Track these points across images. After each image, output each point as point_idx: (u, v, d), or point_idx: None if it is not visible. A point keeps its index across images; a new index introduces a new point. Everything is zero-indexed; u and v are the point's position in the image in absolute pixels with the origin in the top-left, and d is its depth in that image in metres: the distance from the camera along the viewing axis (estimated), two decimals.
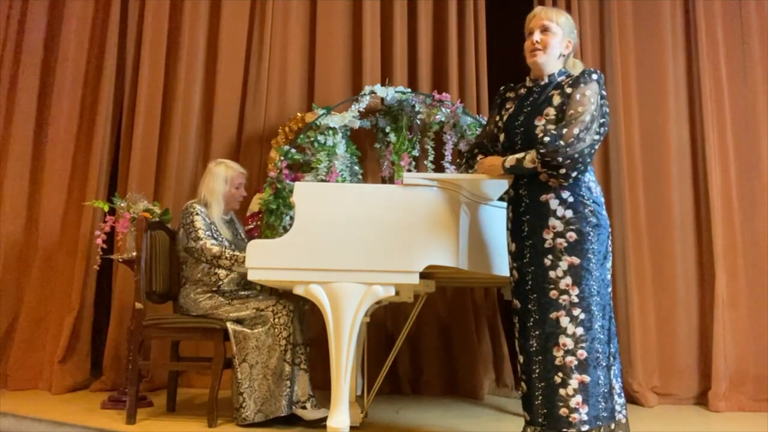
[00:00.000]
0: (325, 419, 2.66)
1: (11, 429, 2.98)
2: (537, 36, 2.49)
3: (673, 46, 4.10)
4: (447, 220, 2.58)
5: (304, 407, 3.00)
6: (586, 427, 2.31)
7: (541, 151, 2.33)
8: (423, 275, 2.53)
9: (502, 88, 2.71)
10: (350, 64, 4.26)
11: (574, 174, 2.36)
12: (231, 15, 4.32)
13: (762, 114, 3.97)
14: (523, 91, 2.58)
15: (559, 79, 2.50)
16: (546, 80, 2.52)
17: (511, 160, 2.43)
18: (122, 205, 3.49)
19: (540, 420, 2.36)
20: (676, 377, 3.81)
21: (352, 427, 2.66)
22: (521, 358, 2.44)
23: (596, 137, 2.35)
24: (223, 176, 3.30)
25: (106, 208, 3.65)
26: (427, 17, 4.25)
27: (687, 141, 4.01)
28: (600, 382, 2.35)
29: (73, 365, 3.87)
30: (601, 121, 2.39)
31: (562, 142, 2.31)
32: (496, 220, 2.83)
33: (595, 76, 2.43)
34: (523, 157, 2.39)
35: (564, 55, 2.55)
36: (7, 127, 4.20)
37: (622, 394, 2.45)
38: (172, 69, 4.25)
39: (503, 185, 2.65)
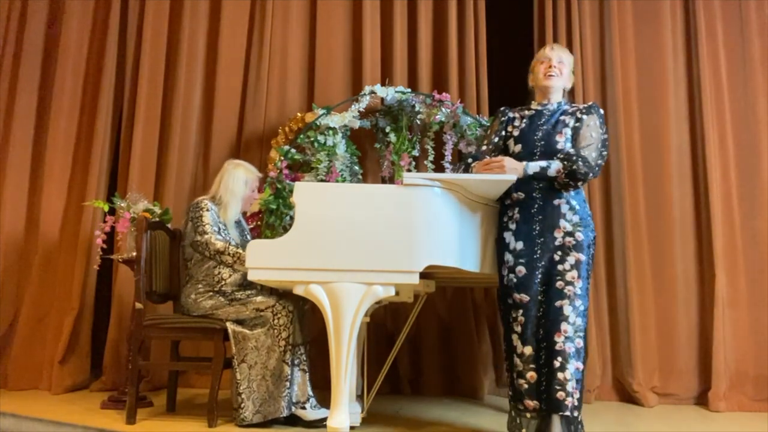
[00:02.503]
0: (325, 419, 2.66)
1: (11, 429, 2.98)
2: (555, 62, 2.82)
3: (673, 46, 4.09)
4: (447, 220, 2.59)
5: (303, 408, 2.99)
6: (576, 413, 2.55)
7: (579, 163, 2.64)
8: (423, 275, 2.54)
9: (502, 108, 2.97)
10: (350, 64, 4.26)
11: (581, 186, 2.72)
12: (231, 15, 4.32)
13: (762, 114, 3.97)
14: (528, 112, 2.88)
15: (565, 108, 2.83)
16: (555, 106, 2.84)
17: (534, 167, 2.68)
18: (122, 205, 3.49)
19: (542, 406, 2.57)
20: (676, 377, 3.81)
21: (352, 427, 2.66)
22: (527, 350, 2.61)
23: (601, 162, 2.75)
24: (243, 179, 3.28)
25: (106, 208, 3.65)
26: (427, 17, 4.25)
27: (687, 141, 4.01)
28: (583, 372, 2.61)
29: (73, 365, 3.87)
30: (606, 152, 2.79)
31: (593, 163, 2.67)
32: (495, 220, 2.82)
33: (601, 111, 2.82)
34: (547, 167, 2.67)
35: (566, 89, 2.91)
36: (7, 127, 4.20)
37: None
38: (172, 69, 4.26)
39: (503, 187, 2.66)
